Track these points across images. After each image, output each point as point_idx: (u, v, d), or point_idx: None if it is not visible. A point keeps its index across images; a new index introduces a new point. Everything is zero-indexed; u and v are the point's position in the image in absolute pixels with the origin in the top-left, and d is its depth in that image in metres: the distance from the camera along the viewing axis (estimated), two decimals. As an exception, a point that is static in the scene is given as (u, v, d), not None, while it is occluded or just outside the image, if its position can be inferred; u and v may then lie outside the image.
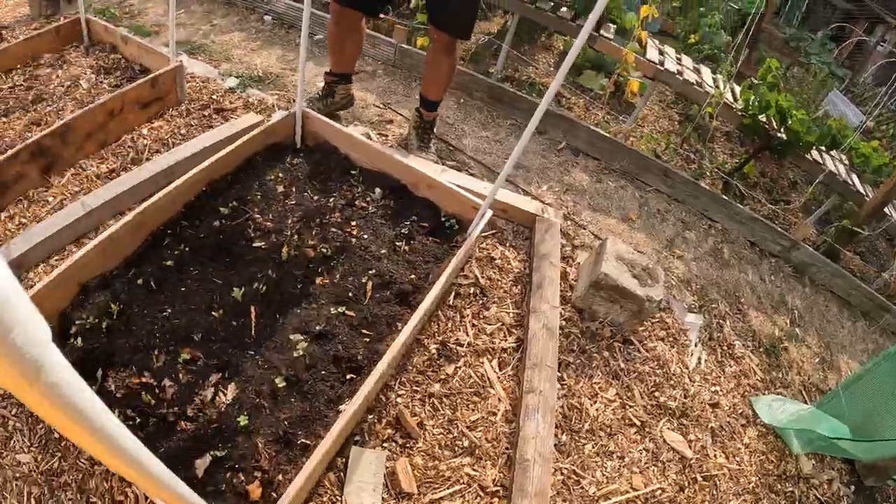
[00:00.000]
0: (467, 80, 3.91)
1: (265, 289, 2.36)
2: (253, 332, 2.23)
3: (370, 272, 2.31)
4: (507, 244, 2.88)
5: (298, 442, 1.95)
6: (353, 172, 2.82)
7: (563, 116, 3.75)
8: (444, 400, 2.20)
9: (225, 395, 2.05)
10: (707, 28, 5.42)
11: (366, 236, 2.50)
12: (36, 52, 3.96)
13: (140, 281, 2.38)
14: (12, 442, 1.95)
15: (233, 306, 2.30)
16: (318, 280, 2.36)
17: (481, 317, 2.53)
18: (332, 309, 2.18)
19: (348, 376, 2.05)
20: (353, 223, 2.60)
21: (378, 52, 4.13)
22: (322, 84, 3.38)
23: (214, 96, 3.74)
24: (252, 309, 2.29)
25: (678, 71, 3.90)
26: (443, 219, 2.67)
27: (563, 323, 2.54)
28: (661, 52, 4.12)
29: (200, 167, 2.72)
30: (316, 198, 2.70)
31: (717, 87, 4.00)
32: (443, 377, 2.27)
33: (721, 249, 3.41)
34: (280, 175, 2.87)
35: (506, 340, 2.45)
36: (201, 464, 1.89)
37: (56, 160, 3.15)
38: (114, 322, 2.24)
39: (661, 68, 3.86)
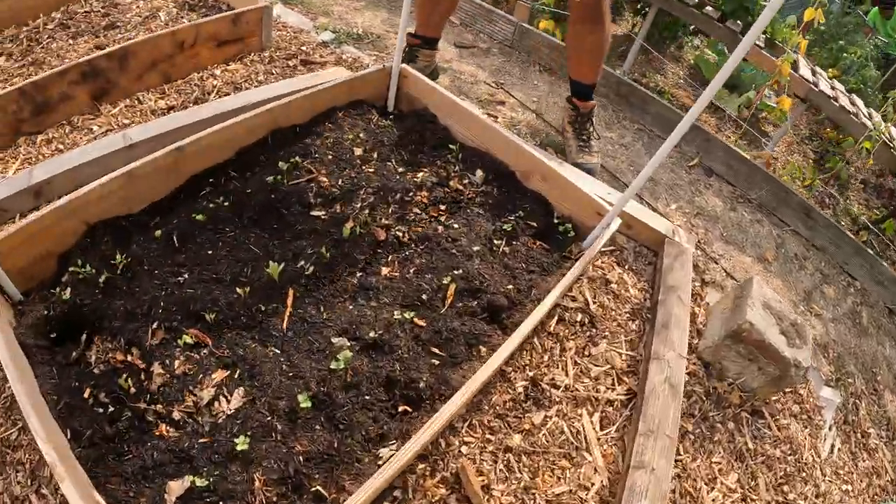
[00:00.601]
0: None
1: (312, 269, 1.77)
2: (284, 323, 1.63)
3: (455, 272, 1.78)
4: (626, 266, 2.44)
5: (312, 489, 1.38)
6: (451, 147, 2.36)
7: (700, 129, 3.38)
8: (524, 459, 1.76)
9: (227, 400, 1.47)
10: (852, 59, 4.76)
11: (456, 226, 1.99)
12: None
13: (160, 233, 1.86)
14: None
15: (265, 285, 1.73)
16: (385, 270, 1.78)
17: (586, 354, 2.09)
18: (395, 312, 1.65)
19: (401, 408, 1.58)
20: (443, 207, 2.05)
21: (495, 29, 3.76)
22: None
23: (304, 48, 3.32)
24: (290, 292, 1.70)
25: (833, 96, 3.48)
26: (556, 220, 2.20)
27: (686, 377, 2.09)
28: (814, 73, 3.70)
29: (264, 108, 2.19)
30: (401, 170, 2.16)
31: (876, 121, 3.54)
32: (527, 427, 1.82)
33: (860, 313, 2.97)
34: (362, 136, 2.31)
35: (613, 390, 2.02)
36: (175, 487, 1.36)
37: (111, 87, 2.76)
38: (115, 277, 1.74)
39: (816, 89, 3.45)
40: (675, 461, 1.90)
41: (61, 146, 2.57)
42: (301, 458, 1.40)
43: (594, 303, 2.22)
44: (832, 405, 2.37)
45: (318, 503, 1.37)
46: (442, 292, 1.79)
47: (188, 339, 1.57)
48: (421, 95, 2.52)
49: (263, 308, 1.69)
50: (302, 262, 1.80)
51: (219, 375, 1.51)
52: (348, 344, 1.62)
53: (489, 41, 3.78)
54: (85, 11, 3.47)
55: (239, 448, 1.39)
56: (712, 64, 4.26)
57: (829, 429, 2.32)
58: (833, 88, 3.65)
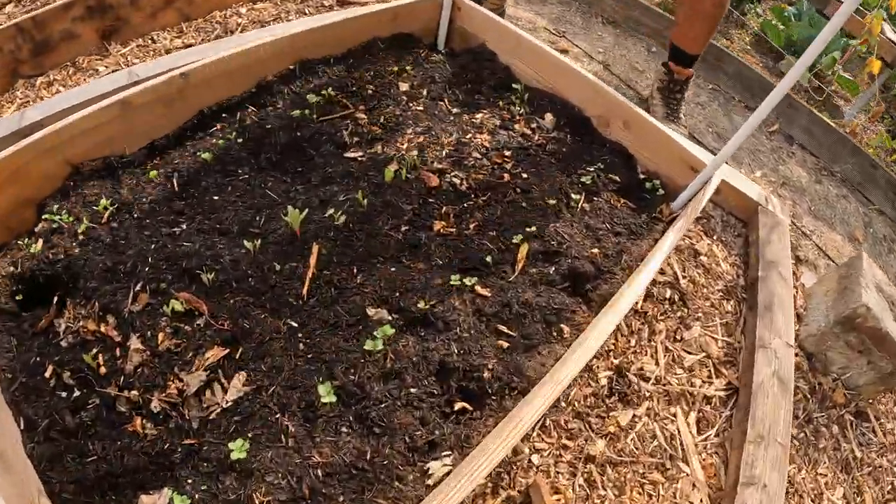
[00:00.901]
0: (664, 27, 3.24)
1: (344, 220, 1.37)
2: (305, 287, 1.24)
3: (527, 229, 1.42)
4: (715, 237, 2.16)
5: None
6: (515, 87, 2.04)
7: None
8: (609, 471, 1.47)
9: (224, 389, 1.09)
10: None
11: (525, 176, 1.67)
12: None
13: (157, 175, 1.51)
14: None
15: (283, 238, 1.35)
16: (438, 225, 1.39)
17: (678, 338, 1.81)
18: (451, 277, 1.22)
19: (458, 405, 1.18)
20: (508, 154, 1.62)
21: None
22: None
23: (343, -17, 2.87)
24: (314, 249, 1.30)
25: None
26: (642, 176, 1.90)
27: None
28: (903, 35, 3.38)
29: (291, 32, 1.81)
30: (455, 111, 1.74)
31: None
32: (612, 429, 1.54)
33: None
34: (408, 70, 1.95)
35: (710, 384, 1.74)
36: (149, 503, 0.93)
37: (121, 25, 2.46)
38: (98, 227, 1.39)
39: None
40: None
41: (62, 88, 2.30)
42: (319, 471, 1.01)
43: (684, 277, 1.94)
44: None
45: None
46: (511, 254, 1.44)
47: (177, 306, 1.18)
48: (477, 31, 2.18)
49: (279, 267, 1.29)
50: (331, 211, 1.40)
51: (214, 354, 1.12)
52: (389, 318, 1.21)
53: None
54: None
55: (235, 456, 1.00)
56: (780, 30, 3.91)
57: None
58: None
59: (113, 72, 2.28)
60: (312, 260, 1.29)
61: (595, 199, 1.72)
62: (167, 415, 1.09)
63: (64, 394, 1.17)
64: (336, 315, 1.22)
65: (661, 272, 1.90)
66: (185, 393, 1.09)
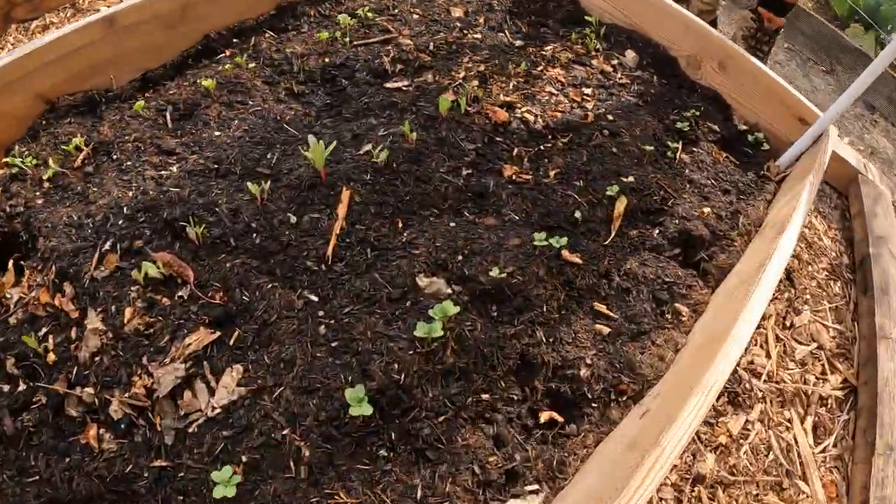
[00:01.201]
0: None
1: (385, 158, 1.02)
2: (330, 248, 0.91)
3: (622, 179, 1.05)
4: (812, 207, 1.94)
5: None
6: (588, 20, 1.77)
7: (863, 54, 3.03)
8: (719, 493, 1.21)
9: (210, 389, 0.75)
10: None
11: (611, 117, 1.39)
12: None
13: (146, 108, 1.15)
14: None
15: (300, 181, 1.03)
16: (509, 170, 1.06)
17: (788, 325, 1.56)
18: (534, 236, 0.78)
19: (544, 416, 0.84)
20: (588, 91, 1.22)
21: None
22: None
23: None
24: (344, 195, 0.96)
25: None
26: (742, 127, 1.66)
27: None
28: None
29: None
30: (518, 43, 1.37)
31: None
32: (722, 440, 1.29)
33: None
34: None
35: (825, 381, 1.50)
36: None
37: None
38: (70, 173, 1.13)
39: None
40: None
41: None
42: None
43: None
44: None
45: None
46: (604, 209, 1.12)
47: (152, 271, 0.85)
48: None
49: (294, 220, 0.95)
50: (368, 147, 1.05)
51: (199, 339, 0.80)
52: (448, 290, 0.86)
53: None
54: None
55: (220, 492, 0.67)
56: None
57: None
58: None
59: (115, 9, 2.00)
60: (342, 210, 0.94)
61: (694, 149, 1.46)
62: (132, 423, 0.78)
63: (6, 387, 0.87)
64: (373, 286, 0.87)
65: None
66: (155, 394, 0.76)
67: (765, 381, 1.49)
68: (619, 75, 1.60)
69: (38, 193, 1.12)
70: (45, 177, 1.14)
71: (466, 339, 0.81)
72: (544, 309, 0.88)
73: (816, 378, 1.57)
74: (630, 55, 1.71)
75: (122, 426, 0.79)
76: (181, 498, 0.72)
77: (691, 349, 0.91)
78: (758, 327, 1.46)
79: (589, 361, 0.87)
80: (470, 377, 0.79)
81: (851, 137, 2.80)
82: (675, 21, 1.75)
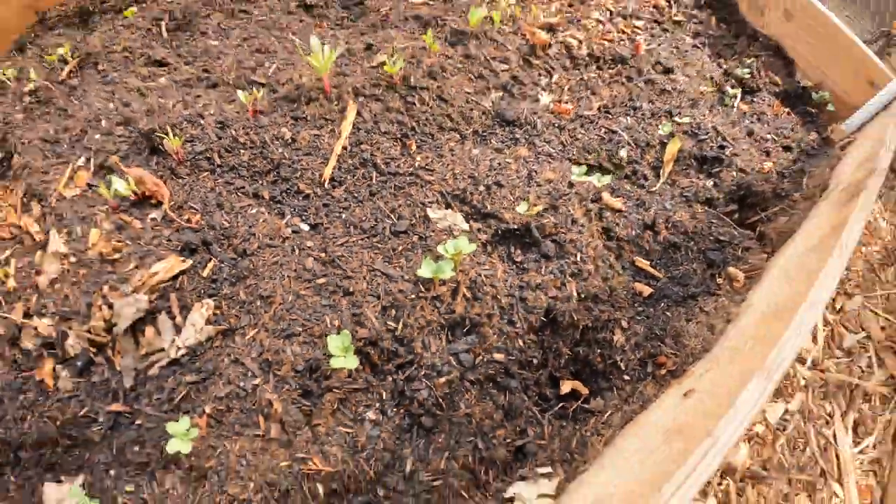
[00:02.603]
0: None
1: (402, 70, 0.92)
2: (329, 168, 0.80)
3: (675, 120, 0.98)
4: None
5: None
6: None
7: None
8: (748, 491, 1.19)
9: (176, 327, 0.69)
10: None
11: (664, 54, 1.29)
12: None
13: (145, 17, 1.15)
14: None
15: (300, 93, 0.93)
16: (546, 98, 1.12)
17: (837, 308, 1.50)
18: (573, 170, 0.69)
19: (566, 386, 0.74)
20: (639, 24, 1.16)
21: None
22: None
23: None
24: (350, 108, 0.86)
25: None
26: (802, 84, 1.51)
27: None
28: None
29: None
30: None
31: None
32: (758, 428, 1.27)
33: None
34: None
35: (872, 374, 1.43)
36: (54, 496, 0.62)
37: None
38: (53, 87, 1.12)
39: None
40: None
41: None
42: (319, 488, 0.55)
43: None
44: None
45: None
46: (654, 152, 1.00)
47: (122, 188, 0.73)
48: None
49: (289, 135, 0.84)
50: (383, 58, 0.91)
51: (168, 267, 0.68)
52: (465, 226, 0.73)
53: None
54: None
55: (174, 446, 0.56)
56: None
57: None
58: None
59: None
60: (345, 126, 0.81)
61: (754, 100, 1.37)
62: (90, 361, 0.68)
63: None
64: (375, 215, 0.76)
65: None
66: (115, 328, 0.65)
67: (809, 368, 1.42)
68: (674, 11, 1.47)
69: (17, 108, 1.04)
70: (26, 89, 1.04)
71: (482, 286, 0.68)
72: (578, 258, 0.75)
73: (863, 371, 1.49)
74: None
75: (80, 363, 0.69)
76: (136, 448, 0.62)
77: (749, 322, 0.77)
78: None
79: (625, 325, 0.74)
80: (482, 332, 0.67)
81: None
82: None
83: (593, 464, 0.63)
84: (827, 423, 1.38)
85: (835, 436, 1.36)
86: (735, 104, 1.32)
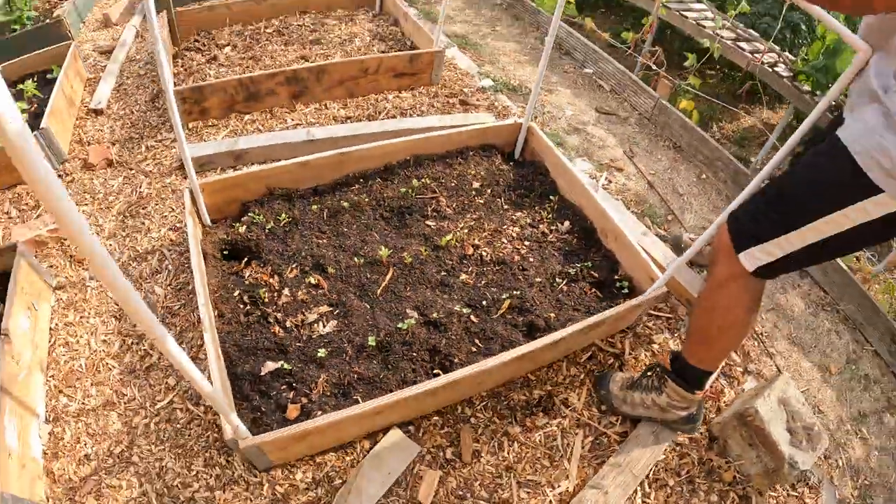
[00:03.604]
0: (717, 157, 3.52)
1: (410, 261, 2.38)
2: (379, 291, 2.26)
3: (514, 292, 2.24)
4: (678, 335, 2.51)
5: (353, 396, 1.95)
6: (551, 198, 2.75)
7: None
8: (515, 446, 2.03)
9: (323, 326, 2.10)
10: None
11: (531, 259, 2.44)
12: (332, 5, 4.57)
13: (315, 207, 2.58)
14: (160, 274, 2.51)
15: (375, 262, 2.39)
16: (463, 276, 2.33)
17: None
18: (458, 306, 2.15)
19: (435, 372, 1.96)
20: (527, 244, 2.53)
21: (638, 101, 3.97)
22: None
23: (465, 90, 3.93)
24: (389, 272, 2.32)
25: None
26: (616, 277, 2.41)
27: (686, 440, 2.16)
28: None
29: (411, 138, 2.87)
30: (506, 207, 2.71)
31: None
32: (528, 425, 2.09)
33: None
34: (482, 174, 2.88)
35: (616, 425, 2.17)
36: (270, 366, 1.98)
37: (306, 91, 3.51)
38: (277, 227, 2.46)
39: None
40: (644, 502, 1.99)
41: (261, 128, 3.27)
42: (355, 375, 1.99)
43: (630, 354, 2.32)
44: (840, 525, 2.19)
45: (352, 404, 1.88)
46: (498, 304, 2.20)
47: (312, 280, 2.23)
48: (541, 151, 2.91)
49: (369, 276, 2.32)
50: (405, 255, 2.42)
51: (323, 310, 2.16)
52: (416, 317, 2.20)
53: (630, 111, 3.99)
54: (298, 24, 4.38)
55: (319, 355, 2.01)
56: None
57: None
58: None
59: (296, 125, 3.40)
60: (387, 277, 2.32)
61: (573, 284, 2.31)
62: (292, 329, 2.12)
63: (241, 306, 2.20)
64: (389, 307, 2.22)
65: (612, 345, 2.32)
66: (304, 322, 2.12)
67: (570, 410, 2.12)
68: (551, 236, 2.50)
69: (262, 234, 2.47)
70: (266, 227, 2.52)
71: (415, 334, 2.08)
72: (451, 334, 2.11)
73: (611, 422, 2.12)
74: (566, 224, 2.57)
75: (289, 330, 2.10)
76: (303, 356, 1.97)
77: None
78: (580, 384, 2.18)
79: (460, 358, 2.16)
80: (412, 347, 2.04)
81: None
82: (597, 208, 2.51)
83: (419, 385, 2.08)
84: (574, 437, 2.02)
85: (574, 443, 2.02)
86: (559, 287, 2.24)
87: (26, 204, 2.89)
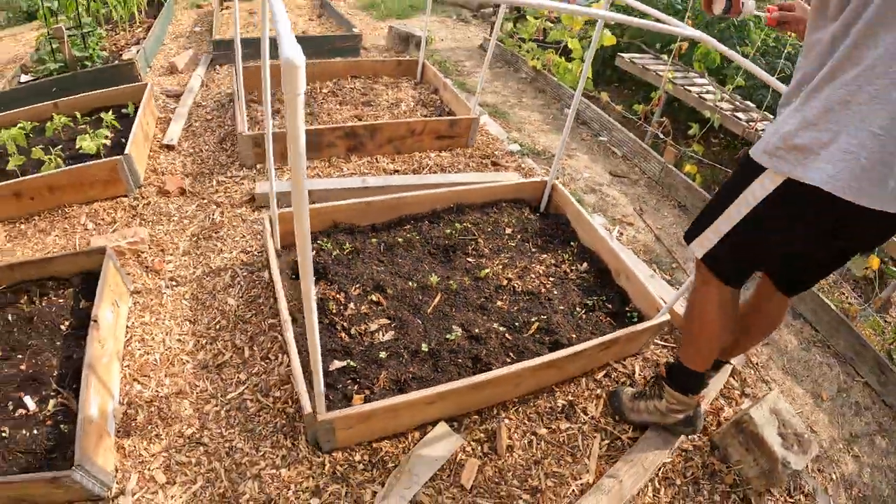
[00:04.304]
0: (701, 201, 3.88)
1: (455, 287, 2.80)
2: (430, 309, 2.67)
3: (542, 317, 2.61)
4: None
5: (408, 391, 2.20)
6: (572, 244, 3.13)
7: None
8: (542, 444, 2.28)
9: (383, 335, 2.50)
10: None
11: (555, 292, 2.81)
12: (379, 72, 5.17)
13: (375, 241, 3.03)
14: (232, 289, 2.85)
15: (426, 287, 2.81)
16: (499, 303, 2.74)
17: None
18: (495, 325, 2.53)
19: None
20: (551, 279, 2.93)
21: (647, 165, 4.39)
22: None
23: (496, 153, 4.44)
24: (438, 295, 2.74)
25: None
26: (627, 309, 2.75)
27: (690, 447, 2.39)
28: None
29: (455, 188, 3.35)
30: (534, 250, 3.11)
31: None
32: (553, 427, 2.35)
33: None
34: (514, 222, 3.35)
35: (629, 431, 2.43)
36: (337, 364, 2.37)
37: (360, 146, 4.04)
38: (342, 254, 2.90)
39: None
40: (654, 497, 2.20)
41: (321, 174, 3.76)
42: (410, 374, 2.36)
43: (640, 375, 2.60)
44: (834, 528, 2.31)
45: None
46: (529, 325, 2.58)
47: (373, 298, 2.65)
48: (563, 205, 3.35)
49: (421, 297, 2.74)
50: (451, 283, 2.84)
51: (383, 322, 2.57)
52: (461, 332, 2.60)
53: (640, 174, 4.42)
54: (350, 88, 4.95)
55: (380, 356, 2.41)
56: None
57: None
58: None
59: (352, 174, 3.89)
60: (436, 300, 2.74)
61: (591, 314, 2.66)
62: (356, 336, 2.51)
63: (323, 317, 2.62)
64: (439, 323, 2.62)
65: (624, 367, 2.60)
66: (367, 331, 2.53)
67: (589, 417, 2.38)
68: (571, 274, 2.86)
69: (329, 259, 2.90)
70: (333, 253, 2.95)
71: (460, 345, 2.48)
72: (490, 347, 2.49)
73: (623, 429, 2.40)
74: (584, 265, 2.91)
75: (353, 335, 2.49)
76: (366, 357, 2.35)
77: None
78: (598, 396, 2.50)
79: (497, 366, 2.58)
80: (458, 355, 2.43)
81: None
82: (611, 252, 2.88)
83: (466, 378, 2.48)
84: (593, 438, 2.27)
85: (592, 445, 2.37)
86: (579, 314, 2.60)
87: (102, 219, 3.25)
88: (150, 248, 3.10)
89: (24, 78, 4.75)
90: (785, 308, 2.16)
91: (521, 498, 2.16)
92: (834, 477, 2.61)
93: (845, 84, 1.33)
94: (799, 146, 1.43)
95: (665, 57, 5.40)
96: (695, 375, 2.18)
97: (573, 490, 2.19)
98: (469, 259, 2.94)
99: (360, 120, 4.28)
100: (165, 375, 2.40)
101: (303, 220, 1.32)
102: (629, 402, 2.44)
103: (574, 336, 2.57)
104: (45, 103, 3.97)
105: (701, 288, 1.98)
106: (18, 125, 3.59)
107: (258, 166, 3.74)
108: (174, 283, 2.90)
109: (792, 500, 2.37)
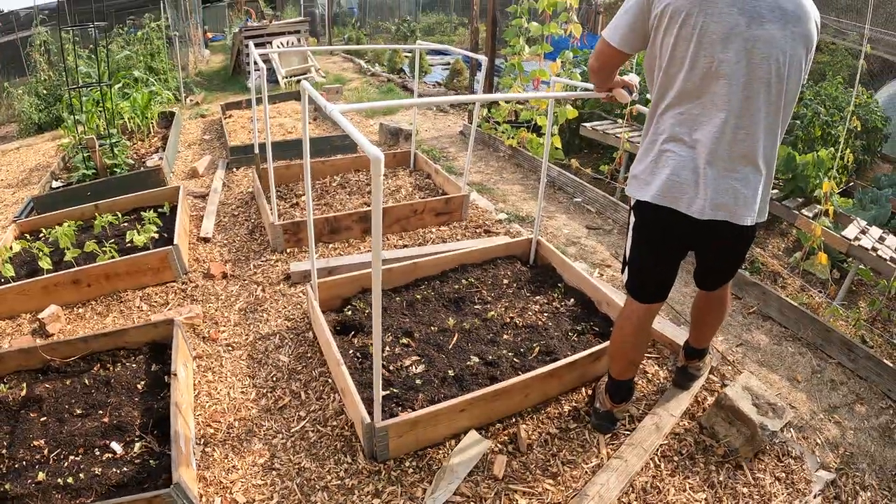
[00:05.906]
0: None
1: (469, 327, 3.44)
2: (451, 346, 3.29)
3: (541, 342, 3.13)
4: (665, 367, 3.14)
5: (441, 405, 2.81)
6: (559, 286, 3.65)
7: (757, 284, 3.81)
8: (556, 441, 2.65)
9: (416, 368, 3.11)
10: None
11: (550, 323, 3.33)
12: None
13: (398, 299, 3.68)
14: (282, 348, 3.42)
15: (445, 329, 3.43)
16: (505, 336, 3.39)
17: None
18: (505, 352, 3.08)
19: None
20: (545, 315, 3.60)
21: (619, 216, 4.90)
22: None
23: (487, 222, 5.10)
24: (455, 335, 3.38)
25: (873, 247, 4.07)
26: (611, 329, 2.80)
27: (681, 431, 2.68)
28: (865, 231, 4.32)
29: (458, 251, 4.05)
30: (528, 294, 3.67)
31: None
32: (564, 427, 2.72)
33: (893, 429, 2.90)
34: (509, 274, 4.00)
35: (627, 425, 2.77)
36: (382, 393, 2.86)
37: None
38: (370, 312, 3.49)
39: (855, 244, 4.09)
40: (653, 477, 2.44)
41: (341, 252, 4.29)
42: (443, 393, 2.92)
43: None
44: (821, 481, 2.49)
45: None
46: (532, 350, 3.15)
47: (404, 342, 3.27)
48: (548, 256, 3.85)
49: (442, 338, 3.35)
50: (464, 324, 3.47)
51: (414, 359, 3.15)
52: (478, 360, 3.19)
53: (613, 224, 4.94)
54: (356, 179, 5.69)
55: (416, 383, 2.97)
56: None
57: (814, 497, 2.41)
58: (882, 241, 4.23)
59: (367, 251, 4.57)
60: (454, 338, 3.35)
61: (581, 336, 3.10)
62: (395, 371, 3.08)
63: (356, 359, 3.15)
64: (460, 356, 3.20)
65: None
66: (402, 367, 3.12)
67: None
68: (561, 308, 3.30)
69: (362, 316, 3.47)
70: (365, 312, 3.58)
71: (479, 370, 3.07)
72: (502, 368, 3.09)
73: (623, 424, 3.21)
74: (572, 300, 3.35)
75: (391, 371, 3.06)
76: (404, 385, 2.94)
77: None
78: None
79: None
80: (477, 377, 3.03)
81: (727, 336, 3.47)
82: (593, 287, 3.37)
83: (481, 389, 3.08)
84: (597, 435, 3.46)
85: (598, 439, 2.97)
86: (572, 337, 3.48)
87: (155, 301, 3.69)
88: (203, 321, 3.51)
89: (54, 184, 5.30)
90: (718, 298, 2.60)
91: (545, 481, 2.49)
92: (819, 441, 2.76)
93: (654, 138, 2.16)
94: (636, 176, 2.20)
95: (620, 121, 6.25)
96: (617, 383, 2.68)
97: (586, 471, 2.54)
98: (476, 306, 3.59)
99: (368, 206, 5.00)
100: (234, 420, 2.73)
101: (377, 272, 1.97)
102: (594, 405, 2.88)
103: (569, 353, 3.08)
104: (87, 205, 4.49)
105: (623, 309, 2.55)
106: (66, 224, 4.03)
107: (288, 251, 4.29)
108: (230, 347, 3.31)
109: (782, 464, 2.56)
